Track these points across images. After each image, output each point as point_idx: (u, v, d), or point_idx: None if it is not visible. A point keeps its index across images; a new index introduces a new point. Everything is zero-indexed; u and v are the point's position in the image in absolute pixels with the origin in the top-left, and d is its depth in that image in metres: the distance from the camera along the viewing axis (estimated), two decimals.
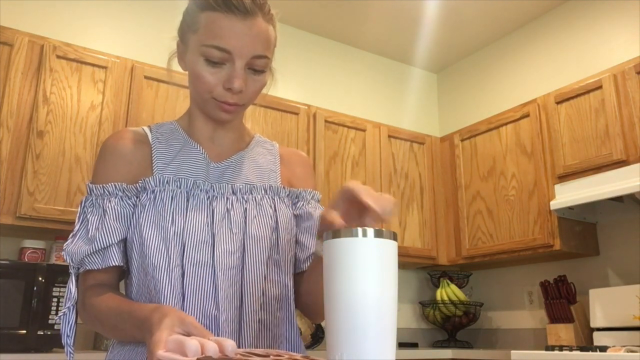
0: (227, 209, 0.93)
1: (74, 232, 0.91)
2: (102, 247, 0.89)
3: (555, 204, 2.81)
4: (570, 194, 2.78)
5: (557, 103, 2.99)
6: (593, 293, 2.85)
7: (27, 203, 2.31)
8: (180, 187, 0.92)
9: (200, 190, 0.93)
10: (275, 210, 0.97)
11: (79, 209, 0.93)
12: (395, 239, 0.67)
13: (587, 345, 2.75)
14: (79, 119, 2.51)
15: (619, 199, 2.75)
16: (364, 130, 3.39)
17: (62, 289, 2.18)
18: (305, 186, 1.06)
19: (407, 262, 3.42)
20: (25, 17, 2.73)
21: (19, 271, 2.12)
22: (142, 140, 0.98)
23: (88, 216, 0.91)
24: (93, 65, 2.59)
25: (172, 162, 0.96)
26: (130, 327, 0.80)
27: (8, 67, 2.40)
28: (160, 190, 0.91)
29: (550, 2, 3.34)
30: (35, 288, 2.12)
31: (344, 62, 3.80)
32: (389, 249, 0.66)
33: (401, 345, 3.36)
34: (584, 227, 3.00)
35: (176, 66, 1.01)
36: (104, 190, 0.92)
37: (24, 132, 2.39)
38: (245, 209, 0.94)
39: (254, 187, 0.97)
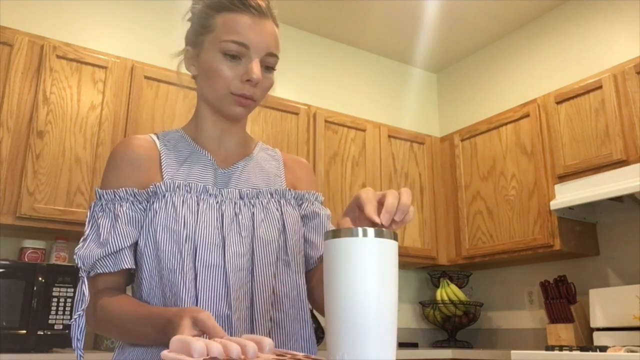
0: (236, 213, 0.96)
1: (85, 237, 0.92)
2: (114, 250, 0.90)
3: (555, 204, 2.81)
4: (570, 194, 2.78)
5: (557, 103, 2.99)
6: (593, 293, 2.85)
7: (27, 203, 2.31)
8: (190, 192, 0.94)
9: (210, 195, 0.96)
10: (282, 212, 1.00)
11: (88, 214, 0.95)
12: (395, 238, 0.67)
13: (587, 345, 2.75)
14: (79, 119, 2.51)
15: (619, 199, 2.75)
16: (364, 130, 3.39)
17: (62, 289, 2.18)
18: (309, 189, 1.10)
19: (407, 262, 3.42)
20: (25, 17, 2.73)
21: (19, 271, 2.12)
22: (151, 147, 1.01)
23: (99, 221, 0.93)
24: (93, 65, 2.59)
25: (181, 168, 0.98)
26: (153, 331, 0.81)
27: (8, 67, 2.40)
28: (171, 195, 0.93)
29: (550, 2, 3.34)
30: (35, 288, 2.12)
31: (344, 62, 3.80)
32: (389, 248, 0.66)
33: (401, 345, 3.35)
34: (584, 227, 3.00)
35: (184, 71, 1.04)
36: (114, 195, 0.94)
37: (24, 132, 2.39)
38: (253, 213, 0.97)
39: (260, 191, 1.00)
